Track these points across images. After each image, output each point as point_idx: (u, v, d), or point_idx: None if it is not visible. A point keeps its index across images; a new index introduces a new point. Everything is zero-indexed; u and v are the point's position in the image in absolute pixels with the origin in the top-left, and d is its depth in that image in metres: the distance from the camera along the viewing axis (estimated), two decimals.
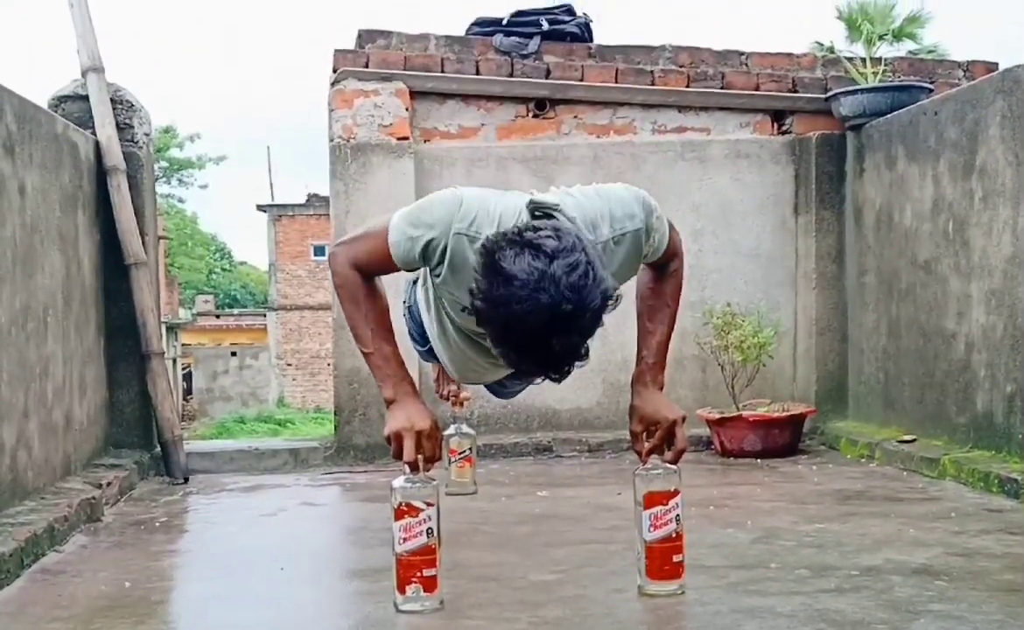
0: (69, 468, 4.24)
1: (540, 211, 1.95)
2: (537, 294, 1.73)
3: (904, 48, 6.05)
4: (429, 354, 2.73)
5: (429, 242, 2.05)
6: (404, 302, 2.76)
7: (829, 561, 2.95)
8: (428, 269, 2.16)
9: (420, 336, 2.66)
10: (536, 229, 1.83)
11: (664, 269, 2.31)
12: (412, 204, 2.16)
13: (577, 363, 1.87)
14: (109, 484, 4.19)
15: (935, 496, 3.94)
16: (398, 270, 2.20)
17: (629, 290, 2.30)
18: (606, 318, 1.87)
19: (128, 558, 3.32)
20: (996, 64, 5.72)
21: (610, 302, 1.82)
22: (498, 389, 2.99)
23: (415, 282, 2.64)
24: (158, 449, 4.94)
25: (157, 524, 3.88)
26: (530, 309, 1.73)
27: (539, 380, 2.04)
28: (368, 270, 2.20)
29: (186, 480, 4.82)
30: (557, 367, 1.82)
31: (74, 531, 3.59)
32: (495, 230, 1.93)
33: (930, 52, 6.23)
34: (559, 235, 1.82)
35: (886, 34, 5.67)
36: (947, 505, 3.73)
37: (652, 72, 5.62)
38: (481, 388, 3.03)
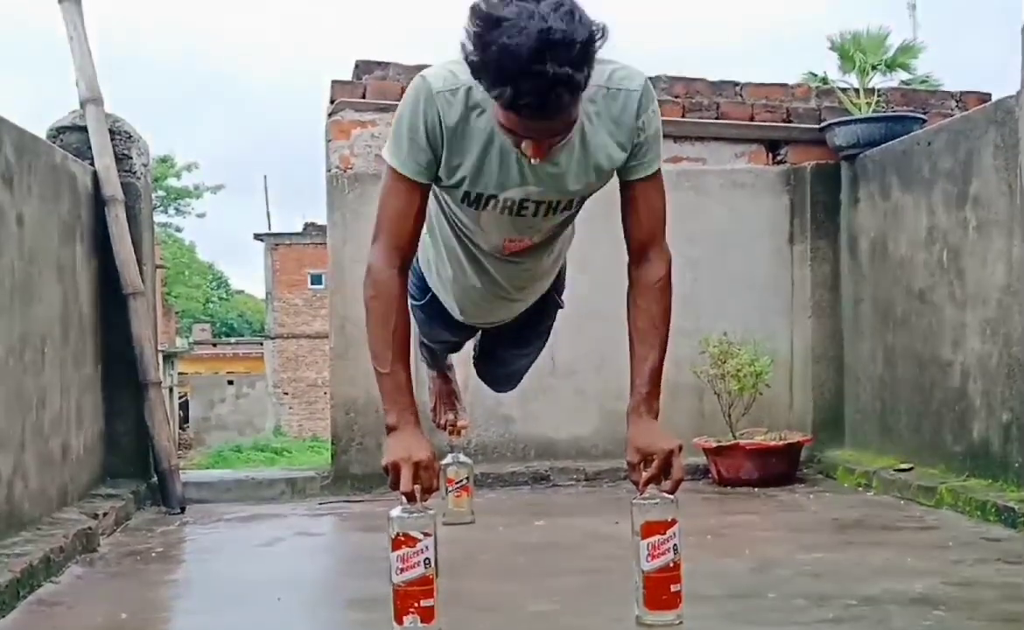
0: (66, 498, 4.23)
1: None
2: (527, 26, 1.77)
3: (897, 78, 6.09)
4: (427, 313, 2.70)
5: (425, 122, 2.05)
6: None
7: (827, 590, 2.94)
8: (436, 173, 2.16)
9: (419, 288, 2.64)
10: None
11: (648, 273, 2.25)
12: (391, 131, 2.16)
13: (572, 100, 1.85)
14: (105, 514, 4.18)
15: (932, 525, 3.94)
16: (425, 203, 2.17)
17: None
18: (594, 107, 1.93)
19: (124, 589, 3.31)
20: (989, 95, 5.76)
21: (598, 39, 1.84)
22: (497, 368, 2.97)
23: None
24: (155, 479, 4.93)
25: (153, 555, 3.87)
26: (522, 40, 1.77)
27: (531, 153, 1.96)
28: (403, 236, 2.17)
29: (183, 510, 4.81)
30: (553, 95, 1.81)
31: (70, 562, 3.57)
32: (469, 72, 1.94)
33: (923, 82, 6.27)
34: None
35: (879, 64, 5.71)
36: (944, 534, 3.73)
37: None
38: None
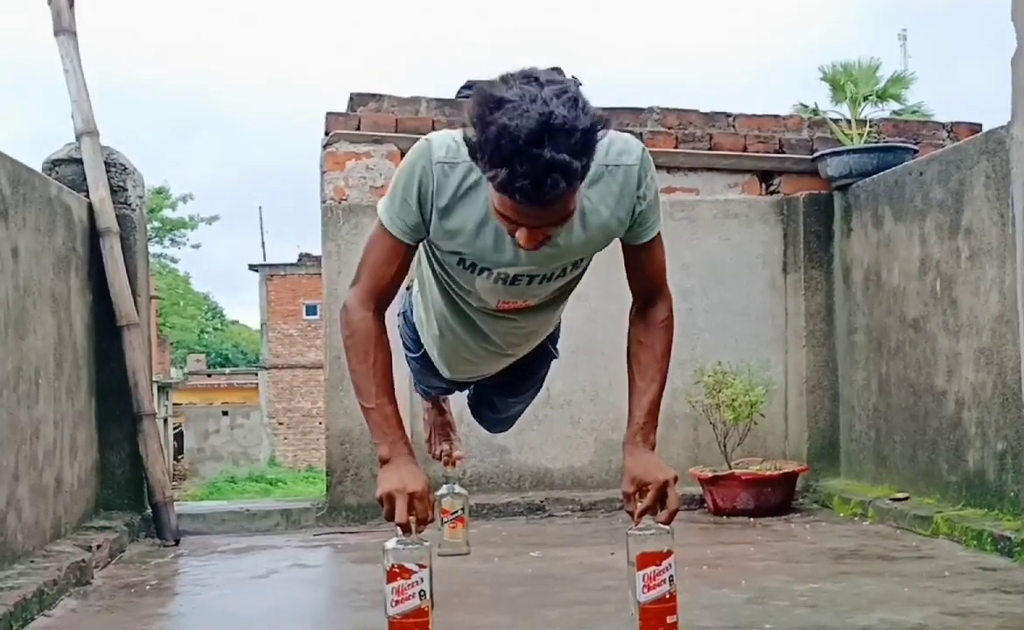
0: (59, 530, 4.21)
1: None
2: (529, 110, 1.77)
3: (888, 109, 6.13)
4: (421, 364, 2.72)
5: (419, 187, 2.06)
6: (398, 312, 2.77)
7: (824, 621, 2.94)
8: (426, 237, 2.17)
9: (413, 342, 2.67)
10: (527, 66, 1.88)
11: (651, 315, 2.29)
12: (389, 186, 2.18)
13: (569, 188, 1.83)
14: (99, 547, 4.16)
15: (929, 554, 3.93)
16: (409, 262, 2.19)
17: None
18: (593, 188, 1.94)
19: (118, 622, 3.29)
20: (980, 125, 5.81)
21: (600, 127, 1.83)
22: (490, 414, 2.98)
23: (408, 288, 2.65)
24: (149, 511, 4.91)
25: (147, 587, 3.85)
26: (521, 121, 1.76)
27: (523, 242, 1.94)
28: (382, 288, 2.18)
29: (177, 542, 4.79)
30: (548, 182, 1.79)
31: (63, 595, 3.56)
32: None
33: (914, 112, 6.32)
34: (553, 69, 1.86)
35: (870, 95, 5.75)
36: (941, 563, 3.73)
37: (641, 134, 5.68)
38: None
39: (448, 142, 2.06)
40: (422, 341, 2.61)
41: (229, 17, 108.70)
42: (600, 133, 1.85)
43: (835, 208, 5.56)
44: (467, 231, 2.08)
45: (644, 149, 2.15)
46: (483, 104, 1.82)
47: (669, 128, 5.75)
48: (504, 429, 3.24)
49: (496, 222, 2.01)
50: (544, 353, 2.69)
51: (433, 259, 2.28)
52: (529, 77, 1.83)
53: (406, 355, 2.75)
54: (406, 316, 2.72)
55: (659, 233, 2.23)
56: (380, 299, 2.20)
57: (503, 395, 2.87)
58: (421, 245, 2.26)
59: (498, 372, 2.66)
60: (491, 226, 2.06)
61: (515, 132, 1.77)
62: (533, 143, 1.76)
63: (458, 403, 3.44)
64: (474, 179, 2.03)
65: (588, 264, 2.26)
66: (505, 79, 1.85)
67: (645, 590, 2.32)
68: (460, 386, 2.88)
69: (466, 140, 1.87)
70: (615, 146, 2.10)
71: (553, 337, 2.69)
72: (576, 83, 1.87)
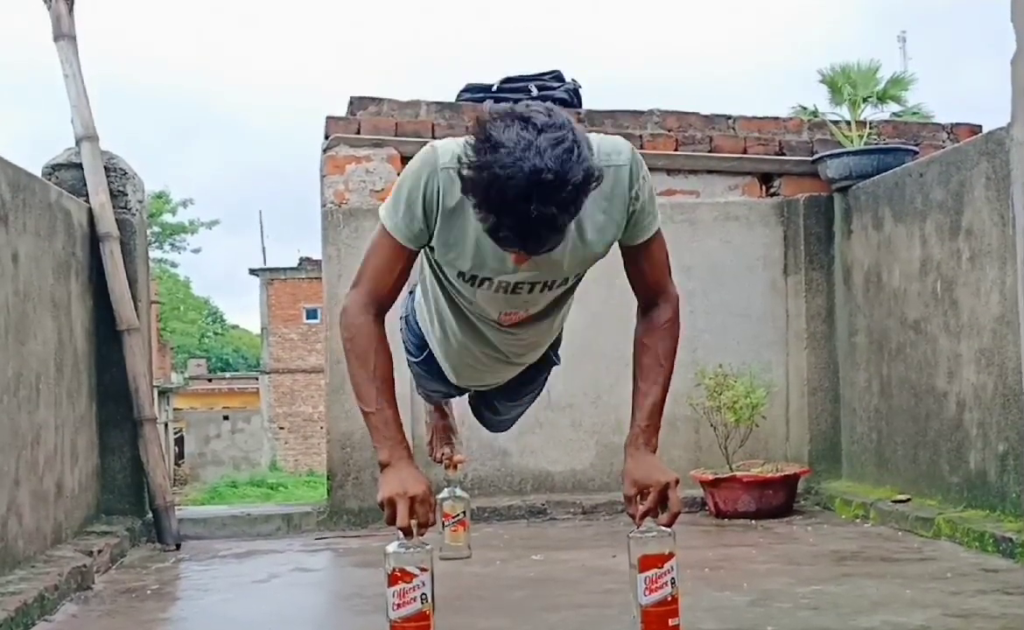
0: (60, 536, 4.21)
1: None
2: (521, 161, 1.77)
3: (888, 110, 6.14)
4: (423, 368, 2.72)
5: (424, 193, 2.06)
6: (400, 316, 2.76)
7: (826, 623, 2.93)
8: (428, 246, 2.17)
9: (416, 347, 2.66)
10: (528, 105, 1.88)
11: (656, 317, 2.28)
12: (392, 191, 2.17)
13: (555, 238, 1.87)
14: (100, 551, 4.15)
15: (931, 556, 3.93)
16: (410, 267, 2.19)
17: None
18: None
19: (119, 627, 3.28)
20: (979, 126, 5.81)
21: (593, 182, 1.85)
22: (491, 417, 2.98)
23: (411, 293, 2.65)
24: (150, 515, 4.91)
25: (148, 592, 3.85)
26: (512, 174, 1.78)
27: (513, 261, 2.01)
28: (383, 292, 2.18)
29: (178, 547, 4.79)
30: (533, 235, 1.83)
31: (64, 600, 3.55)
32: None
33: (914, 114, 6.33)
34: (550, 113, 1.86)
35: (870, 96, 5.75)
36: (943, 565, 3.72)
37: (641, 136, 5.69)
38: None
39: (453, 148, 2.05)
40: (428, 345, 2.61)
41: (229, 19, 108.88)
42: (593, 185, 1.86)
43: (835, 210, 5.56)
44: (469, 238, 2.08)
45: (634, 150, 2.15)
46: (480, 142, 1.83)
47: (669, 130, 5.75)
48: (504, 429, 3.24)
49: None
50: (546, 360, 2.70)
51: (436, 269, 2.28)
52: (527, 121, 1.83)
53: (408, 359, 2.75)
54: (408, 320, 2.71)
55: (658, 232, 2.23)
56: (381, 303, 2.20)
57: (504, 399, 2.87)
58: (423, 253, 2.25)
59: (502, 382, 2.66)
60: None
61: (504, 185, 1.79)
62: (520, 199, 1.78)
63: (459, 407, 3.44)
64: None
65: (587, 270, 2.26)
66: (503, 117, 1.84)
67: (647, 592, 2.32)
68: (462, 391, 2.88)
69: (459, 171, 1.88)
70: (603, 148, 2.09)
71: (555, 345, 2.69)
72: (571, 126, 1.86)
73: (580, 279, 2.28)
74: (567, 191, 1.80)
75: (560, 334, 2.67)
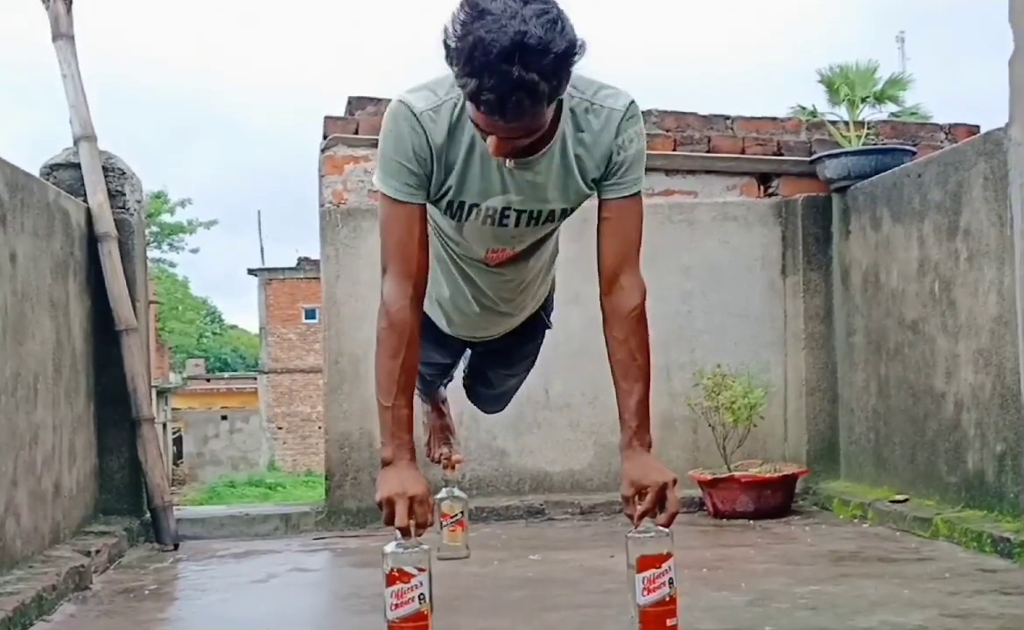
0: (58, 536, 4.21)
1: None
2: (505, 27, 1.79)
3: (886, 111, 6.14)
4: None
5: (412, 147, 2.07)
6: None
7: (824, 623, 2.93)
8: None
9: None
10: None
11: (621, 300, 2.20)
12: (378, 158, 2.16)
13: (535, 109, 1.86)
14: (98, 552, 4.15)
15: (929, 556, 3.93)
16: (425, 221, 2.18)
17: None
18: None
19: (117, 627, 3.28)
20: (978, 127, 5.81)
21: (575, 54, 1.85)
22: (486, 392, 2.98)
23: None
24: (148, 515, 4.90)
25: (147, 592, 3.85)
26: (497, 36, 1.79)
27: (493, 149, 1.98)
28: (410, 260, 2.15)
29: (176, 547, 4.78)
30: (513, 99, 1.82)
31: (62, 600, 3.55)
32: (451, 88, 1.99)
33: (912, 114, 6.33)
34: None
35: (868, 97, 5.75)
36: (941, 565, 3.72)
37: None
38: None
39: (423, 92, 2.08)
40: None
41: (228, 19, 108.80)
42: (576, 56, 1.86)
43: (833, 210, 5.56)
44: (458, 164, 2.10)
45: (634, 103, 2.14)
46: (467, 12, 1.84)
47: (667, 130, 5.75)
48: (499, 408, 3.23)
49: (481, 150, 2.04)
50: (538, 321, 2.70)
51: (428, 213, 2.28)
52: None
53: None
54: None
55: (638, 197, 2.19)
56: (416, 278, 2.17)
57: (497, 366, 2.86)
58: None
59: (495, 338, 2.65)
60: (477, 155, 2.08)
61: (488, 46, 1.79)
62: (504, 60, 1.79)
63: (457, 406, 3.44)
64: (458, 114, 2.05)
65: (571, 210, 2.24)
66: None
67: (645, 593, 2.32)
68: (457, 353, 2.85)
69: (444, 42, 1.88)
70: (606, 90, 2.12)
71: (547, 307, 2.69)
72: (558, 6, 1.86)
73: (564, 217, 2.26)
74: (549, 58, 1.80)
75: (551, 296, 2.67)
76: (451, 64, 1.89)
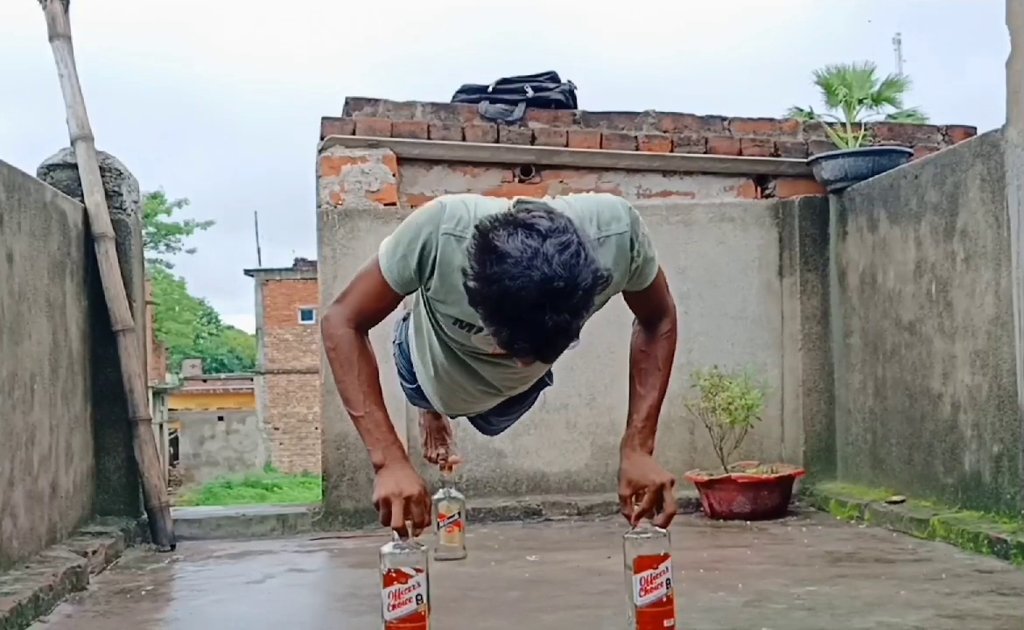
0: (55, 536, 4.20)
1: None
2: (530, 271, 1.75)
3: (883, 112, 6.15)
4: (416, 393, 2.73)
5: (421, 251, 2.05)
6: (394, 341, 2.77)
7: (821, 624, 2.94)
8: (422, 289, 2.17)
9: (409, 373, 2.67)
10: (528, 210, 1.85)
11: (655, 329, 2.31)
12: (395, 231, 2.16)
13: (569, 343, 1.85)
14: (95, 552, 4.15)
15: (925, 557, 3.93)
16: (396, 304, 2.19)
17: (613, 312, 2.28)
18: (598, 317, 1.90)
19: (114, 628, 3.28)
20: (974, 128, 5.82)
21: (601, 282, 1.83)
22: (484, 424, 2.99)
23: (405, 319, 2.65)
24: (145, 516, 4.90)
25: (143, 592, 3.84)
26: (523, 285, 1.75)
27: (521, 365, 2.00)
28: (365, 315, 2.19)
29: (173, 547, 4.78)
30: (549, 344, 1.81)
31: (59, 600, 3.55)
32: None
33: (909, 116, 6.34)
34: (551, 216, 1.83)
35: (865, 98, 5.76)
36: (937, 566, 3.73)
37: (636, 137, 5.69)
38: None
39: (461, 213, 2.03)
40: (416, 375, 2.60)
41: (227, 19, 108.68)
42: (600, 287, 1.82)
43: (830, 211, 5.56)
44: (465, 301, 2.01)
45: (631, 209, 2.14)
46: (485, 254, 1.79)
47: (665, 132, 5.75)
48: (497, 433, 3.25)
49: None
50: (539, 383, 2.70)
51: (429, 310, 2.27)
52: (530, 228, 1.79)
53: (401, 384, 2.76)
54: (402, 347, 2.71)
55: (658, 270, 2.23)
56: (362, 324, 2.21)
57: (495, 415, 2.87)
58: (418, 292, 2.25)
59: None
60: None
61: (515, 298, 1.76)
62: (534, 310, 1.76)
63: None
64: None
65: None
66: (504, 225, 1.81)
67: (642, 593, 2.32)
68: (454, 416, 2.89)
69: (465, 284, 1.85)
70: (603, 216, 2.09)
71: (549, 370, 2.69)
72: (573, 227, 1.82)
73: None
74: (579, 296, 1.78)
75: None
76: (475, 307, 1.86)
